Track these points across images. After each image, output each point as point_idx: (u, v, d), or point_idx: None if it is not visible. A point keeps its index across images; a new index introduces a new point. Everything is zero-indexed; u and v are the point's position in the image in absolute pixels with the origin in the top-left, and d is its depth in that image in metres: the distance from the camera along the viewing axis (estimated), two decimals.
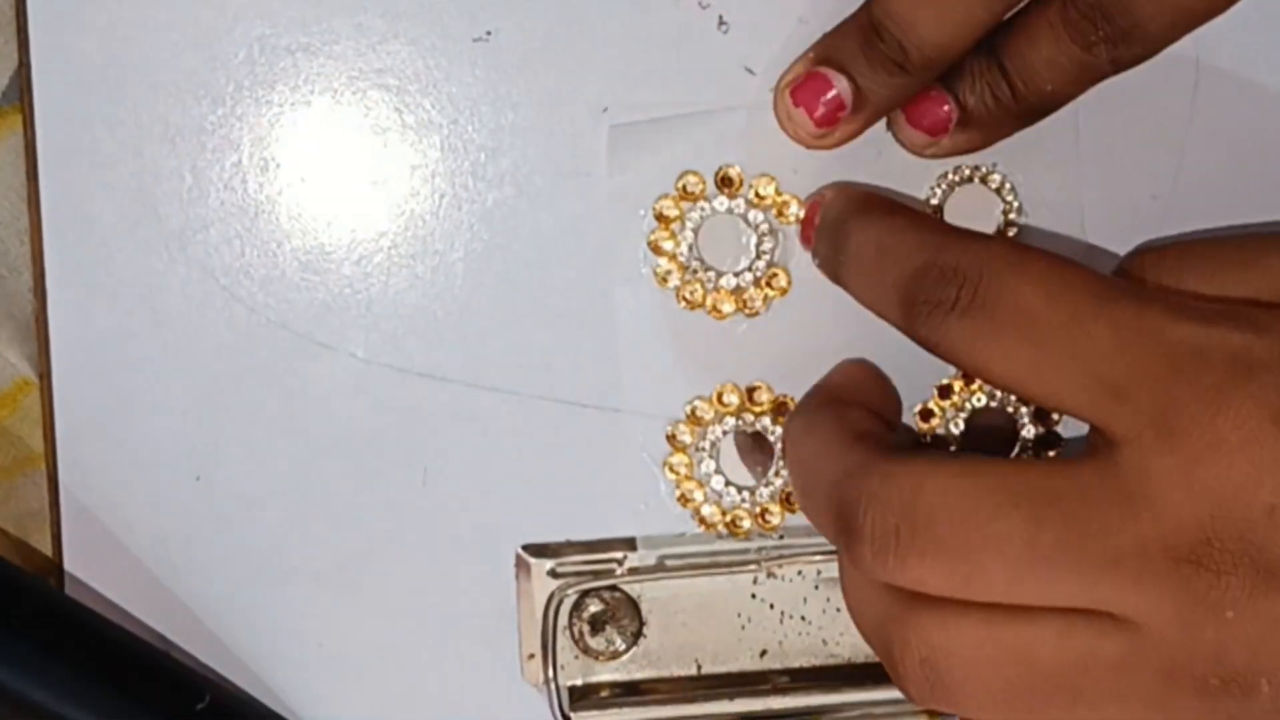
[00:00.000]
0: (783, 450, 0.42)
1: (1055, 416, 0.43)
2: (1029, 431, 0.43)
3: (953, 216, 0.42)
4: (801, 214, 0.42)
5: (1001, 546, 0.33)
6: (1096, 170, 0.43)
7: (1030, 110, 0.40)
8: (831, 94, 0.39)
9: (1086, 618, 0.33)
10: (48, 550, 0.43)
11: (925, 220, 0.39)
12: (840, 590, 0.38)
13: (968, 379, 0.42)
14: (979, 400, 0.43)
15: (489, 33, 0.42)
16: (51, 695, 0.40)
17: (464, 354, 0.43)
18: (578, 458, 0.43)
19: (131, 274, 0.42)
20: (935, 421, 0.43)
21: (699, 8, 0.42)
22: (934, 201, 0.42)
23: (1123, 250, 0.43)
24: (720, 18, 0.42)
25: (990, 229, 0.42)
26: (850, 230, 0.39)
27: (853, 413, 0.39)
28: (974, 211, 0.42)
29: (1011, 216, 0.42)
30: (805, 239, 0.42)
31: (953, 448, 0.43)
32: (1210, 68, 0.43)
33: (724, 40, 0.42)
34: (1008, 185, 0.42)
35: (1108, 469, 0.33)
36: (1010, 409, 0.43)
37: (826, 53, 0.40)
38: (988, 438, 0.43)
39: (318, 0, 0.42)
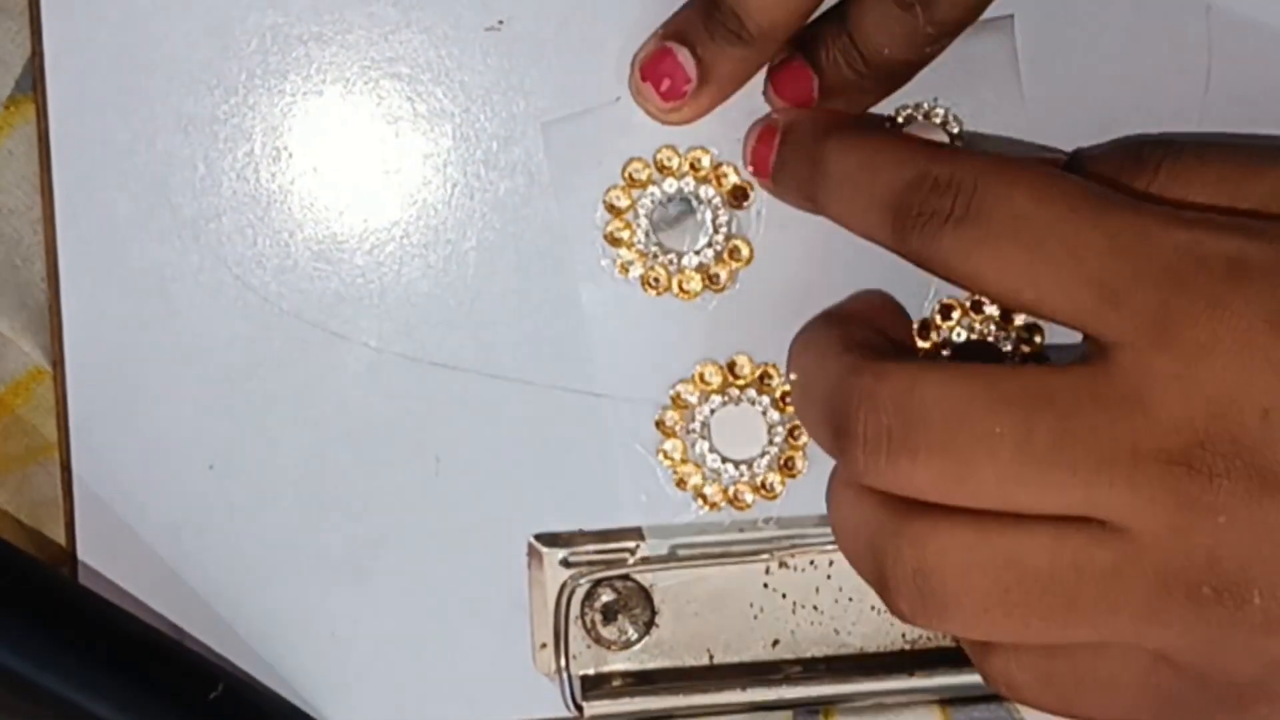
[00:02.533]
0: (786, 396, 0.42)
1: (1039, 339, 0.42)
2: (1015, 359, 0.42)
3: None
4: (735, 180, 0.42)
5: (993, 446, 0.33)
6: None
7: (882, 76, 0.40)
8: (675, 68, 0.40)
9: (1079, 525, 0.33)
10: (61, 539, 0.43)
11: (908, 137, 0.39)
12: (852, 580, 0.38)
13: (945, 314, 0.42)
14: (959, 335, 0.42)
15: (501, 21, 0.42)
16: (65, 684, 0.40)
17: (477, 343, 0.43)
18: (592, 447, 0.43)
19: (144, 263, 0.42)
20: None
21: None
22: None
23: None
24: None
25: None
26: (829, 150, 0.39)
27: (852, 326, 0.39)
28: None
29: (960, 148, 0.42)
30: (760, 166, 0.41)
31: None
32: (1222, 58, 0.43)
33: None
34: (952, 117, 0.42)
35: (1102, 372, 0.33)
36: (991, 339, 0.42)
37: (672, 27, 0.41)
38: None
39: None
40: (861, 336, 0.38)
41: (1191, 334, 0.32)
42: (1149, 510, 0.32)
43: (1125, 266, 0.33)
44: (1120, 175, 0.36)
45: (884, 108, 0.42)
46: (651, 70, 0.40)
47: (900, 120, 0.42)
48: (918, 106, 0.42)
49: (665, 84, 0.40)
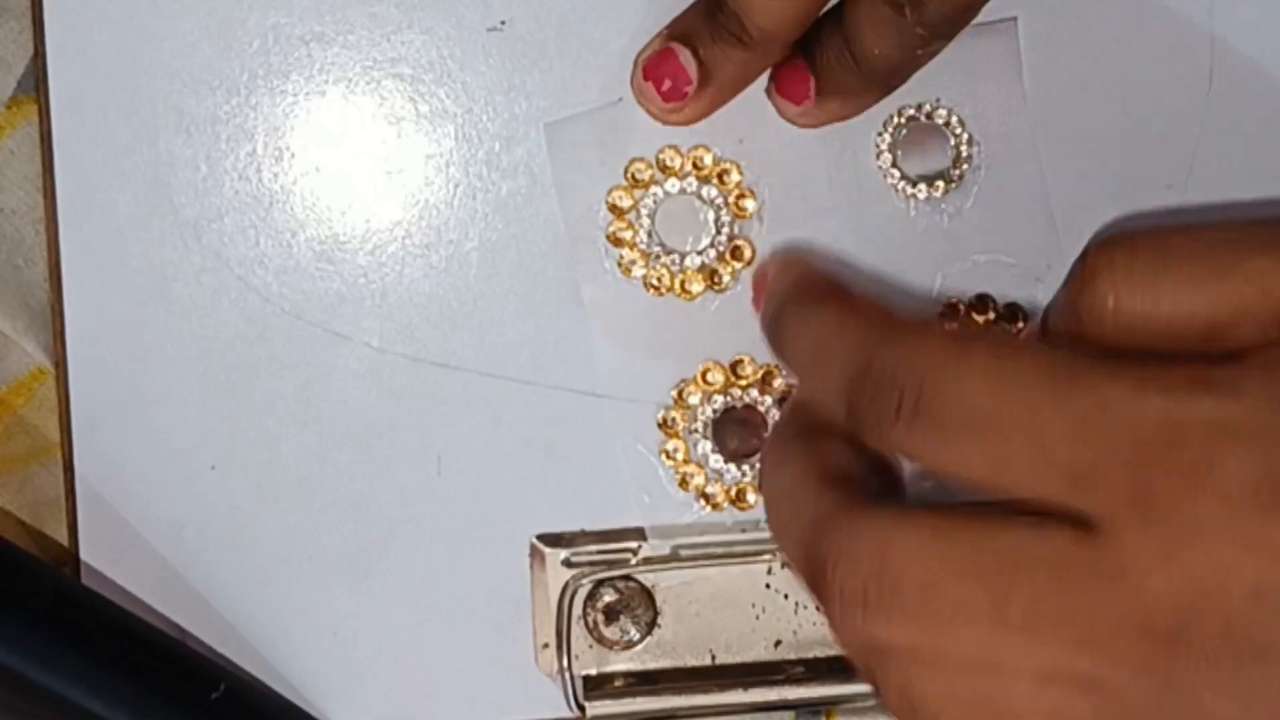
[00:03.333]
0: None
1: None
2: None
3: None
4: (742, 181, 0.42)
5: (969, 615, 0.32)
6: (1115, 160, 0.43)
7: (876, 77, 0.40)
8: (677, 69, 0.40)
9: (1063, 678, 0.32)
10: (63, 539, 0.43)
11: (859, 312, 0.36)
12: None
13: (951, 314, 0.42)
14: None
15: (503, 22, 0.42)
16: (67, 684, 0.40)
17: (478, 343, 0.43)
18: (594, 447, 0.43)
19: (146, 263, 0.42)
20: None
21: None
22: (885, 146, 0.42)
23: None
24: None
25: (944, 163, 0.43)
26: (787, 324, 0.37)
27: (827, 446, 0.36)
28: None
29: (963, 150, 0.42)
30: (756, 307, 0.41)
31: None
32: (1225, 58, 0.43)
33: None
34: (955, 119, 0.42)
35: (1083, 542, 0.31)
36: None
37: (676, 28, 0.41)
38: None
39: None
40: (837, 463, 0.36)
41: (1172, 515, 0.30)
42: (1132, 682, 0.31)
43: (1095, 450, 0.31)
44: (1079, 302, 0.33)
45: (886, 108, 0.42)
46: (653, 70, 0.40)
47: (902, 121, 0.42)
48: (919, 108, 0.42)
49: (666, 84, 0.40)
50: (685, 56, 0.40)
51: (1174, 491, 0.30)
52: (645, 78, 0.41)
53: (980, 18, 0.41)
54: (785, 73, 0.41)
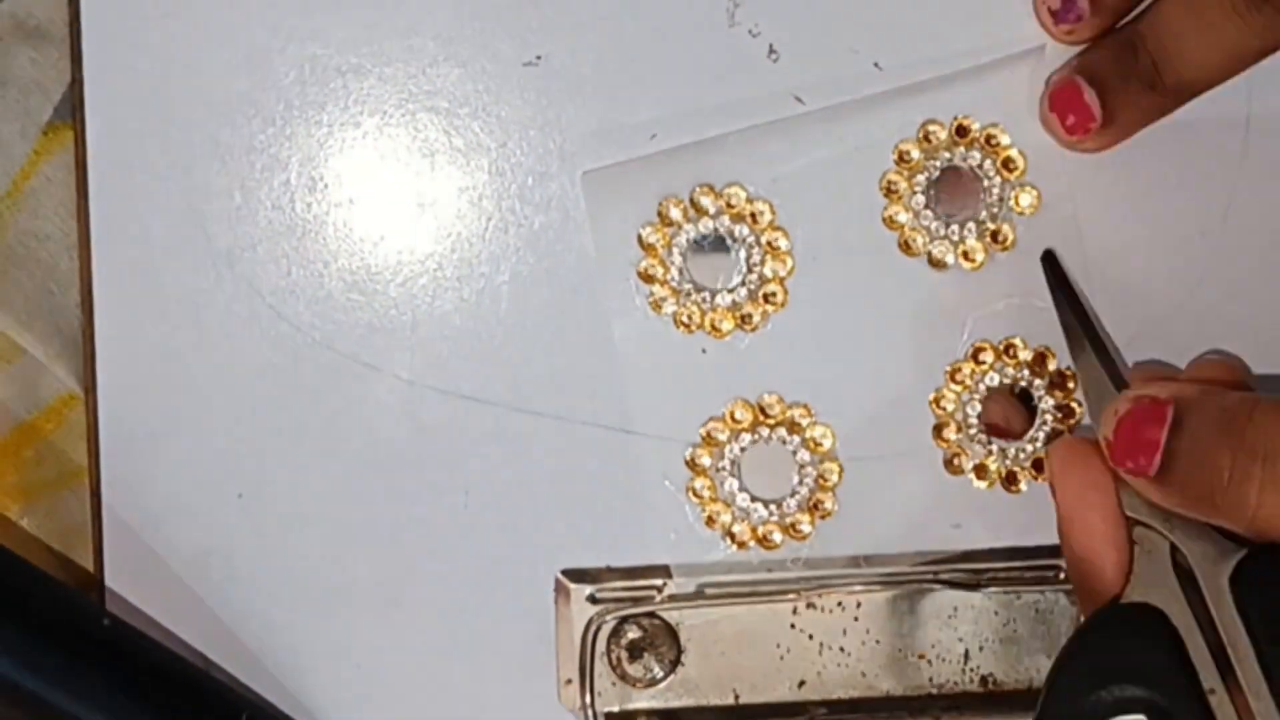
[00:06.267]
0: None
1: (1071, 385, 0.42)
2: (1047, 403, 0.42)
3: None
4: (774, 220, 0.42)
5: None
6: (1150, 204, 0.43)
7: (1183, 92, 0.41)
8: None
9: None
10: (89, 565, 0.43)
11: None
12: (879, 623, 0.39)
13: (977, 357, 0.42)
14: (992, 379, 0.42)
15: (539, 57, 0.42)
16: (89, 711, 0.40)
17: (508, 377, 0.43)
18: (621, 483, 0.43)
19: (179, 291, 0.42)
20: (951, 406, 0.42)
21: (749, 36, 0.42)
22: (919, 189, 0.42)
23: (1177, 285, 0.42)
24: (770, 46, 0.42)
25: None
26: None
27: None
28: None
29: (995, 194, 0.42)
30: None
31: (972, 430, 0.42)
32: (1262, 103, 0.42)
33: (773, 68, 0.42)
34: (988, 164, 0.42)
35: None
36: (1025, 383, 0.42)
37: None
38: (1006, 413, 0.43)
39: (370, 22, 0.42)
40: None
41: None
42: None
43: None
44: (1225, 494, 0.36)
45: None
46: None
47: (936, 166, 0.42)
48: (954, 153, 0.42)
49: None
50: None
51: None
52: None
53: (1008, 49, 0.41)
54: (1067, 100, 0.41)
